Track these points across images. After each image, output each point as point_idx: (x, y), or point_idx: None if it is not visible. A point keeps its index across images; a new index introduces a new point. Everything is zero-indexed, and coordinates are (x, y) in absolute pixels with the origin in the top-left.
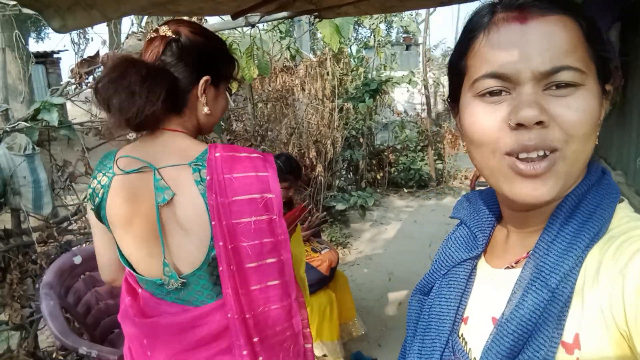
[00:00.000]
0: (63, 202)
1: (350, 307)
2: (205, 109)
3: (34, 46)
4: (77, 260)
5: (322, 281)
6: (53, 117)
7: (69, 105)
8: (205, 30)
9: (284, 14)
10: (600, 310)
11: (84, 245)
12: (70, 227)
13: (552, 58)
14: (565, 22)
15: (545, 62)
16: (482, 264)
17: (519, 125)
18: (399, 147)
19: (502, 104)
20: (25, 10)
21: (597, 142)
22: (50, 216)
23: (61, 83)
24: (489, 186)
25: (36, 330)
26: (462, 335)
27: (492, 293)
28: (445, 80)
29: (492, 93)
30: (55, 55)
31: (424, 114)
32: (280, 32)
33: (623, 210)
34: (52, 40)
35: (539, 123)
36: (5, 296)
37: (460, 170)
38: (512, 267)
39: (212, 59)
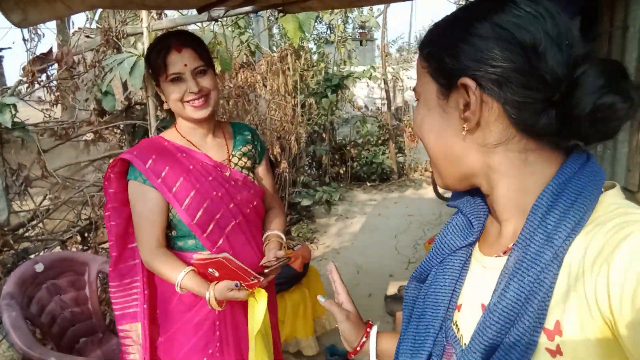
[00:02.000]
0: (20, 207)
1: None
2: (165, 105)
3: None
4: (39, 268)
5: (296, 278)
6: (6, 118)
7: (20, 105)
8: None
9: (249, 8)
10: (584, 297)
11: (43, 252)
12: (27, 234)
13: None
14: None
15: None
16: (476, 252)
17: None
18: (360, 141)
19: None
20: None
21: None
22: (5, 223)
23: (5, 82)
24: None
25: None
26: (456, 322)
27: (482, 280)
28: (403, 74)
29: None
30: None
31: (384, 109)
32: (240, 27)
33: (612, 197)
34: None
35: None
36: None
37: (420, 162)
38: (501, 255)
39: (149, 71)
